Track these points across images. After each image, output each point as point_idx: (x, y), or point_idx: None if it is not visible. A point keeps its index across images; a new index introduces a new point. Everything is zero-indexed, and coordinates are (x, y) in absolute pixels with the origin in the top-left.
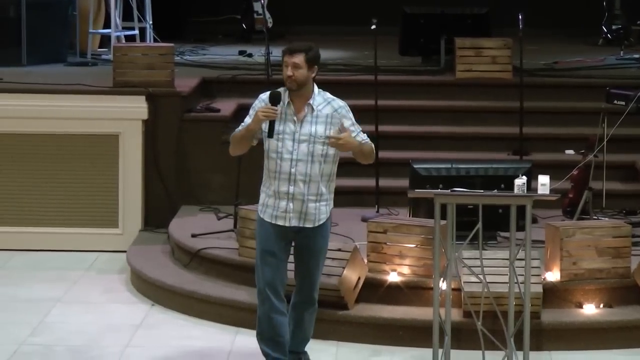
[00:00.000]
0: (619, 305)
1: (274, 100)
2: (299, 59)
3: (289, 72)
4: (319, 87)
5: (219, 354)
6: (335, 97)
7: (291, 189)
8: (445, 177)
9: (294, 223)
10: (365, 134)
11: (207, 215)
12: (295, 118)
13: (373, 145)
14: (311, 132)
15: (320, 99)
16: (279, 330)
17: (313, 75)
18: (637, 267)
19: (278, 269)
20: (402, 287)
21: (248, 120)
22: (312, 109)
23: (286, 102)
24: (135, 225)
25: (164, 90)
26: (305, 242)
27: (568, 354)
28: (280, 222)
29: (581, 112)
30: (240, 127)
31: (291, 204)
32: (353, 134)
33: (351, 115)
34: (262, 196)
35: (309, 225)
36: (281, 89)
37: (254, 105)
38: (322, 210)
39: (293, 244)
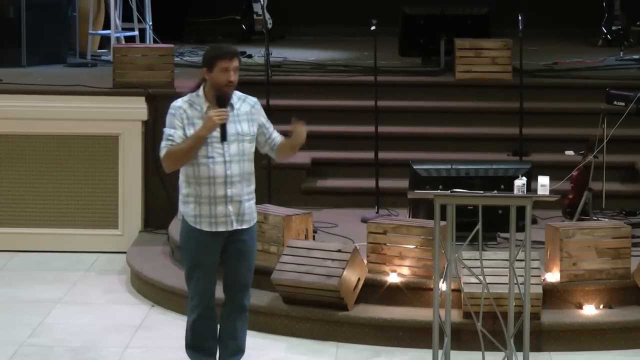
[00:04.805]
0: (619, 306)
1: (222, 102)
2: (238, 62)
3: (231, 77)
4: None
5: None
6: (245, 95)
7: (228, 191)
8: (445, 178)
9: (237, 226)
10: None
11: None
12: None
13: None
14: (238, 131)
15: (235, 97)
16: (208, 337)
17: None
18: (637, 268)
19: (210, 278)
20: (402, 288)
21: (178, 132)
22: (232, 107)
23: (205, 107)
24: (135, 226)
25: (164, 91)
26: (238, 246)
27: (568, 355)
28: (221, 228)
29: (581, 113)
30: (175, 140)
31: (230, 207)
32: (270, 129)
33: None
34: (191, 207)
35: (246, 226)
36: (197, 92)
37: (174, 114)
38: (253, 208)
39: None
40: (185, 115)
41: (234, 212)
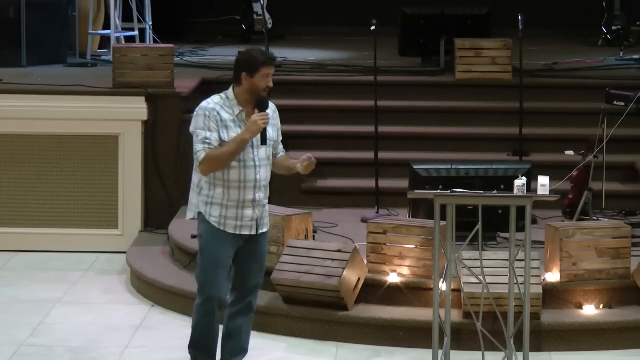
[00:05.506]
0: (619, 306)
1: (263, 106)
2: None
3: (270, 82)
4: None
5: (218, 354)
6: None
7: (257, 196)
8: (445, 178)
9: (260, 230)
10: None
11: None
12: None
13: None
14: (268, 136)
15: None
16: (215, 339)
17: None
18: (637, 268)
19: (226, 279)
20: (401, 288)
21: (215, 135)
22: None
23: (238, 111)
24: (135, 226)
25: (164, 91)
26: (254, 248)
27: (568, 355)
28: (245, 232)
29: (581, 113)
30: (212, 144)
31: (257, 212)
32: (279, 139)
33: None
34: (216, 208)
35: (265, 229)
36: (226, 94)
37: (208, 116)
38: (269, 212)
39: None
40: (219, 117)
41: (259, 215)
